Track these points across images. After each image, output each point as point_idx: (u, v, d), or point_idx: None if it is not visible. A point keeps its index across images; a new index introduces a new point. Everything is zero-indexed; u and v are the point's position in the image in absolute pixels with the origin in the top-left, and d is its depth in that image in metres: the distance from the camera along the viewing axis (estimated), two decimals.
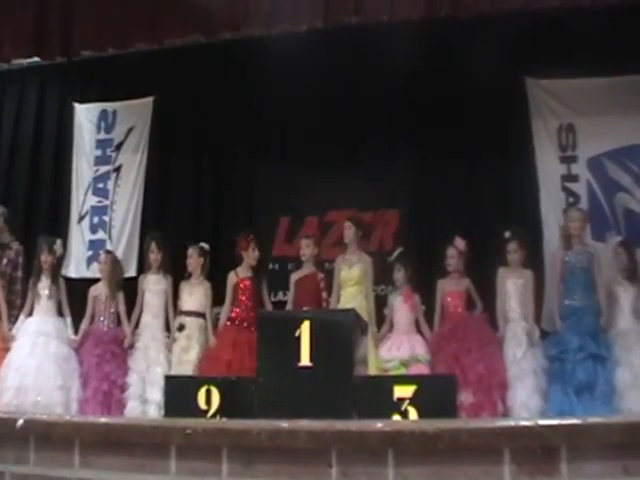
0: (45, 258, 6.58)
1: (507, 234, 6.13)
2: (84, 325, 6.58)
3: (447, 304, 6.23)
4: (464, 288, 6.23)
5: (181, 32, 6.74)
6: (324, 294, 6.38)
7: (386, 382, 3.73)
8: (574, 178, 6.75)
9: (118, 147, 7.87)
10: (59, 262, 6.91)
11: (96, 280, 6.88)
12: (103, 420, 2.74)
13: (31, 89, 8.27)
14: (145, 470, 2.24)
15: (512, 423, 2.28)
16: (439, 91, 6.96)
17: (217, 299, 6.52)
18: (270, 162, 7.41)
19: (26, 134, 8.14)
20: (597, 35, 6.28)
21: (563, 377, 5.67)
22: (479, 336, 5.97)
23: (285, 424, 2.18)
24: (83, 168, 7.94)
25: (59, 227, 7.73)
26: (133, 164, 7.79)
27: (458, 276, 6.25)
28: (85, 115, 8.02)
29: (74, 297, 6.85)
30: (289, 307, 6.38)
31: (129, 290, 6.73)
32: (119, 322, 6.60)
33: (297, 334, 3.36)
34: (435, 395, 3.42)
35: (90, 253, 7.68)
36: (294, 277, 6.55)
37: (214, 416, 3.45)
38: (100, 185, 7.88)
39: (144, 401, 6.19)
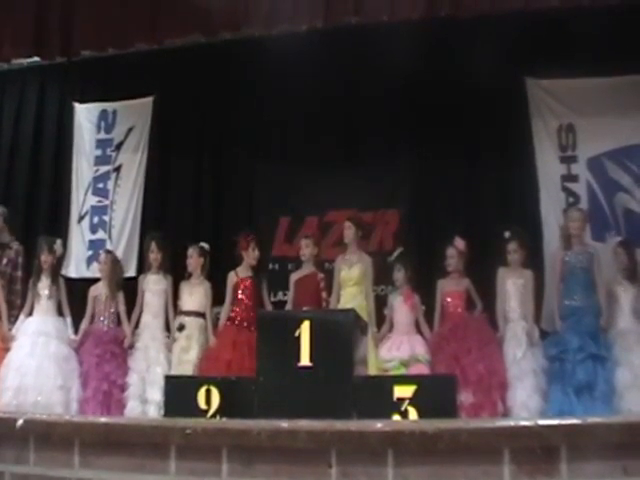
0: (45, 258, 6.58)
1: (507, 234, 6.13)
2: (84, 325, 6.58)
3: (447, 304, 6.23)
4: (464, 288, 6.23)
5: (181, 32, 6.74)
6: (324, 294, 6.39)
7: (386, 382, 3.73)
8: (574, 178, 6.75)
9: (118, 147, 7.87)
10: (59, 262, 6.91)
11: (96, 280, 6.88)
12: (103, 420, 2.74)
13: (31, 89, 8.27)
14: (145, 470, 2.24)
15: (512, 423, 2.28)
16: (439, 91, 6.95)
17: (217, 299, 6.52)
18: (270, 162, 7.42)
19: (26, 134, 8.14)
20: (597, 35, 6.28)
21: (563, 377, 5.67)
22: (479, 336, 5.97)
23: (285, 424, 2.18)
24: (83, 168, 7.94)
25: (59, 227, 7.73)
26: (133, 164, 7.79)
27: (458, 276, 6.26)
28: (85, 115, 8.02)
29: (74, 297, 6.86)
30: (289, 307, 6.38)
31: (129, 290, 6.73)
32: (119, 322, 6.60)
33: (297, 334, 3.37)
34: (435, 395, 3.42)
35: (90, 253, 7.68)
36: (294, 277, 6.55)
37: (214, 416, 3.45)
38: (100, 185, 7.88)
39: (144, 401, 6.19)
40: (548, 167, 6.79)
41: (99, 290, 6.69)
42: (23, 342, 6.31)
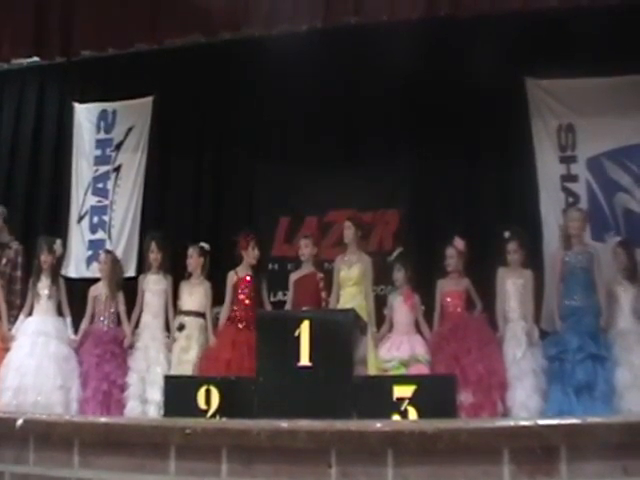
0: (45, 258, 6.58)
1: (507, 234, 6.13)
2: (84, 325, 6.58)
3: (447, 304, 6.23)
4: (464, 288, 6.23)
5: (181, 32, 6.74)
6: (323, 294, 6.39)
7: (386, 382, 3.73)
8: (574, 178, 6.75)
9: (118, 147, 7.87)
10: (59, 262, 6.91)
11: (96, 280, 6.88)
12: (103, 420, 2.74)
13: (31, 89, 8.27)
14: (145, 470, 2.23)
15: (512, 423, 2.27)
16: (439, 91, 6.95)
17: (217, 299, 6.52)
18: (270, 162, 7.42)
19: (26, 134, 8.14)
20: (597, 35, 6.28)
21: (563, 377, 5.67)
22: (479, 336, 5.97)
23: (285, 424, 2.18)
24: (83, 168, 7.94)
25: (59, 227, 7.73)
26: (133, 164, 7.79)
27: (458, 276, 6.26)
28: (85, 115, 8.02)
29: (74, 297, 6.86)
30: (288, 307, 6.38)
31: (129, 290, 6.73)
32: (119, 322, 6.60)
33: (297, 334, 3.37)
34: (435, 395, 3.42)
35: (90, 253, 7.68)
36: (293, 277, 6.56)
37: (214, 416, 3.45)
38: (100, 185, 7.88)
39: (144, 401, 6.19)
40: (548, 167, 6.79)
41: (99, 290, 6.69)
42: (23, 342, 6.31)
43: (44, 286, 6.53)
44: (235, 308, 6.37)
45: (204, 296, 6.51)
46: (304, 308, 5.64)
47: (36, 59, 7.37)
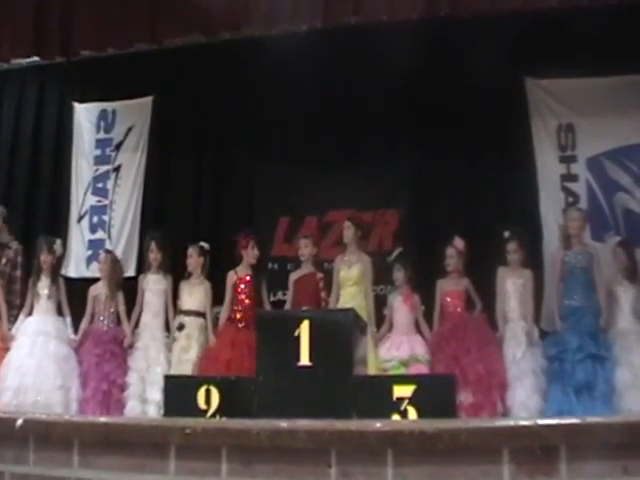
0: (45, 258, 6.58)
1: (506, 234, 6.13)
2: (84, 325, 6.58)
3: (446, 304, 6.23)
4: (463, 288, 6.23)
5: (181, 32, 6.74)
6: (323, 294, 6.39)
7: (385, 382, 3.73)
8: (573, 178, 6.75)
9: (117, 147, 7.87)
10: (59, 262, 6.91)
11: (96, 280, 6.88)
12: (102, 420, 2.74)
13: (31, 89, 8.27)
14: (144, 470, 2.23)
15: (511, 423, 2.27)
16: (439, 91, 6.95)
17: (217, 298, 6.52)
18: (270, 162, 7.42)
19: (26, 134, 8.14)
20: (596, 35, 6.28)
21: (562, 377, 5.67)
22: (478, 336, 5.97)
23: (284, 424, 2.18)
24: (83, 168, 7.94)
25: (59, 227, 7.73)
26: (132, 164, 7.79)
27: (457, 276, 6.26)
28: (84, 115, 8.02)
29: (74, 297, 6.86)
30: (288, 307, 6.38)
31: (129, 290, 6.73)
32: (119, 322, 6.60)
33: (296, 333, 3.37)
34: (434, 395, 3.42)
35: (90, 253, 7.68)
36: (293, 277, 6.56)
37: (213, 416, 3.45)
38: (99, 185, 7.88)
39: (144, 401, 6.19)
40: (548, 167, 6.79)
41: (99, 290, 6.69)
42: (23, 342, 6.31)
43: (44, 286, 6.53)
44: (235, 308, 6.37)
45: (204, 296, 6.51)
46: (304, 308, 5.64)
47: (36, 59, 7.37)
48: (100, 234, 7.76)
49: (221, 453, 2.16)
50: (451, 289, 6.25)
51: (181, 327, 6.40)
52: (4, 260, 6.84)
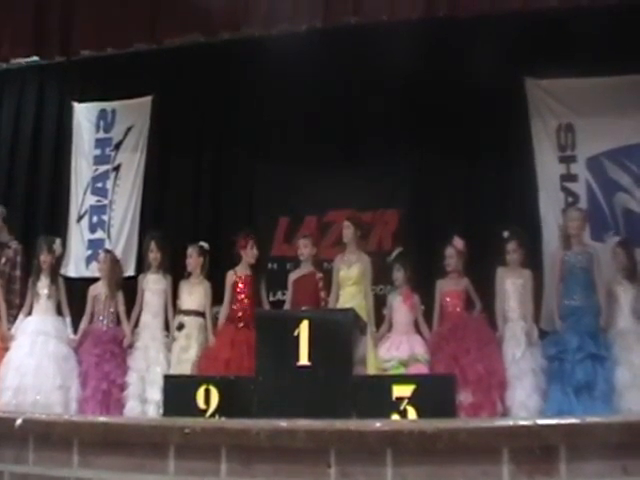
0: (44, 258, 6.58)
1: (506, 234, 6.12)
2: (83, 324, 6.58)
3: (446, 304, 6.22)
4: (463, 288, 6.23)
5: (181, 32, 6.74)
6: (322, 294, 6.38)
7: (385, 382, 3.74)
8: (573, 178, 6.75)
9: (117, 146, 7.87)
10: (58, 262, 6.91)
11: (95, 279, 6.88)
12: (102, 420, 2.74)
13: (30, 88, 8.26)
14: (144, 470, 2.23)
15: (511, 423, 2.27)
16: (439, 91, 6.95)
17: (216, 298, 6.52)
18: (270, 162, 7.41)
19: (25, 133, 8.14)
20: (596, 35, 6.28)
21: (562, 377, 5.67)
22: (478, 336, 5.97)
23: (284, 423, 2.18)
24: (82, 167, 7.93)
25: (58, 226, 7.72)
26: (132, 163, 7.78)
27: (457, 276, 6.25)
28: (84, 114, 8.02)
29: (73, 296, 6.85)
30: (287, 307, 6.38)
31: (128, 289, 6.73)
32: (118, 321, 6.60)
33: (296, 333, 3.37)
34: (434, 395, 3.43)
35: (89, 252, 7.68)
36: (292, 277, 6.55)
37: (213, 415, 3.45)
38: (99, 184, 7.87)
39: (143, 400, 6.19)
40: (547, 167, 6.79)
41: (98, 289, 6.68)
42: (22, 342, 6.31)
43: (43, 286, 6.53)
44: (234, 307, 6.37)
45: (203, 295, 6.51)
46: (303, 308, 5.64)
47: (36, 59, 7.36)
48: (100, 234, 7.76)
49: (220, 453, 2.16)
50: (451, 289, 6.25)
51: (181, 327, 6.40)
52: (4, 260, 6.84)
